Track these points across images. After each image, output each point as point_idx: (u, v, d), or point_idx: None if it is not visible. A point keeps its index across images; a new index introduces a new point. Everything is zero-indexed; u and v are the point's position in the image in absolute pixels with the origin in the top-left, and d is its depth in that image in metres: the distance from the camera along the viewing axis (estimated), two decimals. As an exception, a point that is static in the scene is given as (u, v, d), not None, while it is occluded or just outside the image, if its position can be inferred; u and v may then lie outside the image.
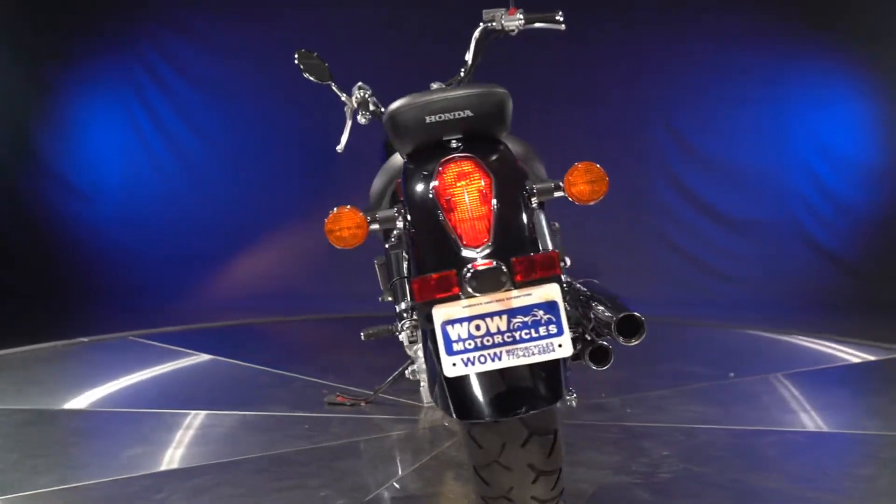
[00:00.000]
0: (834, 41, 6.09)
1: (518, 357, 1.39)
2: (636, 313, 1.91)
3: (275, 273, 6.12)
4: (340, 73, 2.66)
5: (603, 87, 6.37)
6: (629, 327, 1.92)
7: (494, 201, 1.56)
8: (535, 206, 1.70)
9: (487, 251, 1.49)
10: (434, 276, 1.41)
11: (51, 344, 4.28)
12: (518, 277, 1.41)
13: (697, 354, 4.12)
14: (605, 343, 2.03)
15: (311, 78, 2.66)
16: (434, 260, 1.51)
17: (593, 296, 2.23)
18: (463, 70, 3.30)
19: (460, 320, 1.41)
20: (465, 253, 1.49)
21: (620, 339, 1.88)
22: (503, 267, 1.37)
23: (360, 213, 1.65)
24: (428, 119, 1.72)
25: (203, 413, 2.97)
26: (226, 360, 3.95)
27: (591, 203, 1.69)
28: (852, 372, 3.66)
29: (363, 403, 3.05)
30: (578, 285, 2.35)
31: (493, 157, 1.70)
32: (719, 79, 6.29)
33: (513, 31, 2.73)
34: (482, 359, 1.39)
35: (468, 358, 1.39)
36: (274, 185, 6.31)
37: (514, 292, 1.41)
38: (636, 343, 1.91)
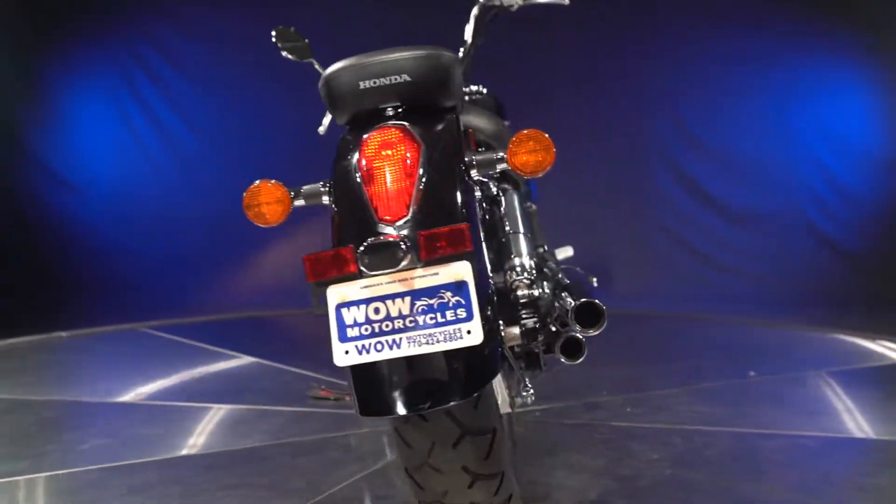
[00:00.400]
0: (841, 28, 5.79)
1: (420, 345, 1.21)
2: (597, 301, 1.72)
3: (271, 266, 6.01)
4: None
5: (605, 74, 6.14)
6: (589, 316, 1.73)
7: (421, 172, 1.39)
8: (476, 179, 1.53)
9: (406, 227, 1.32)
10: (328, 252, 1.25)
11: (35, 337, 4.25)
12: (423, 254, 1.23)
13: (715, 351, 3.87)
14: (576, 334, 1.85)
15: (291, 56, 2.51)
16: (348, 236, 1.35)
17: (565, 284, 2.04)
18: (462, 49, 3.13)
19: (357, 303, 1.24)
20: (381, 228, 1.33)
21: (578, 327, 1.70)
22: (402, 242, 1.20)
23: (283, 188, 1.51)
24: (362, 85, 1.57)
25: (180, 405, 2.88)
26: (217, 350, 3.86)
27: (539, 174, 1.51)
28: (884, 373, 3.37)
29: (347, 398, 2.90)
30: (559, 274, 2.16)
31: (429, 126, 1.53)
32: (724, 67, 6.02)
33: (512, 6, 2.56)
34: (378, 346, 1.22)
35: (363, 345, 1.22)
36: (269, 178, 6.17)
37: (419, 271, 1.24)
38: (595, 333, 1.72)
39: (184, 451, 2.36)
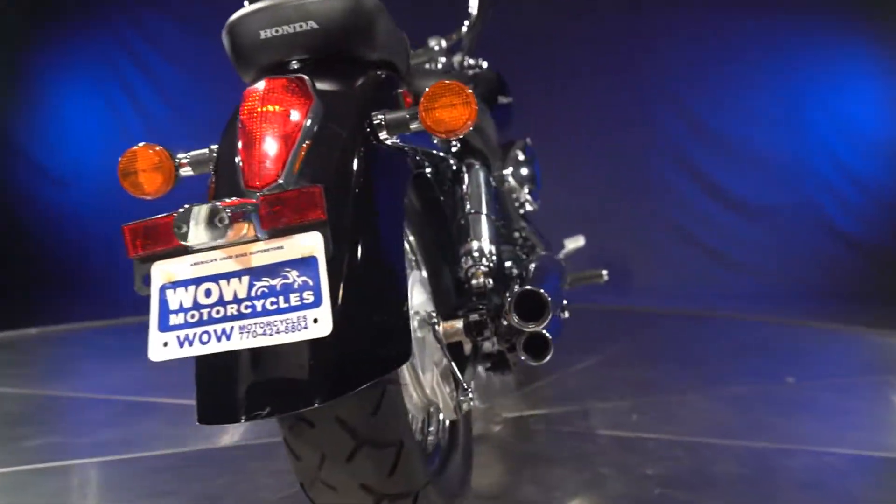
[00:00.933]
0: (854, 13, 5.41)
1: (254, 336, 0.98)
2: (541, 291, 1.46)
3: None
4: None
5: (608, 63, 5.86)
6: (532, 308, 1.48)
7: (306, 131, 1.16)
8: (387, 140, 1.29)
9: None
10: (152, 220, 1.02)
11: (20, 332, 4.19)
12: (264, 223, 1.00)
13: (745, 352, 3.53)
14: (538, 329, 1.59)
15: None
16: None
17: (527, 273, 1.77)
18: (467, 22, 2.90)
19: (185, 283, 1.01)
20: (247, 196, 1.10)
21: (516, 318, 1.45)
22: (230, 208, 0.96)
23: (165, 153, 1.31)
24: (263, 34, 1.36)
25: (151, 401, 2.71)
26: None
27: (457, 134, 1.26)
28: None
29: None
30: (532, 263, 1.89)
31: (336, 80, 1.30)
32: (732, 54, 5.70)
33: None
34: (204, 337, 0.99)
35: (185, 336, 0.99)
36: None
37: (260, 245, 1.00)
38: (536, 328, 1.46)
39: (133, 452, 2.18)
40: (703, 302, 4.94)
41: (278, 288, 0.98)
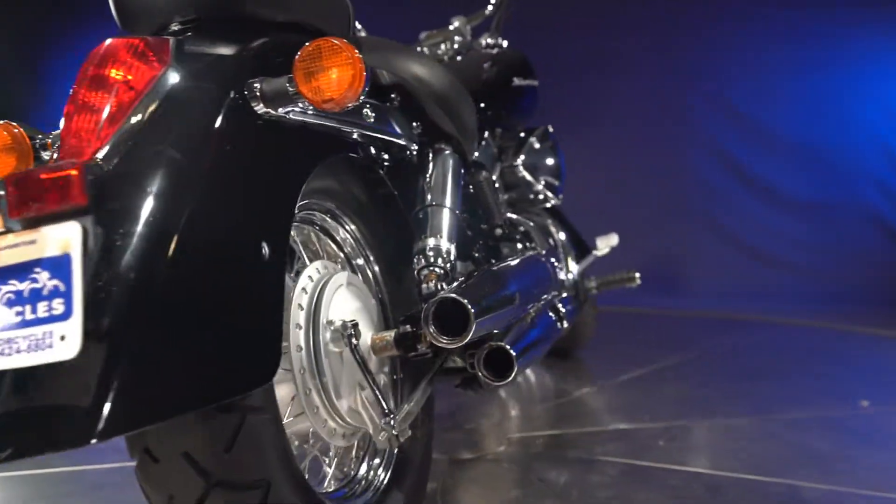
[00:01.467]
0: None
1: (-11, 356, 0.76)
2: (465, 301, 1.20)
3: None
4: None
5: (635, 51, 5.42)
6: (454, 320, 1.21)
7: (151, 97, 0.95)
8: (267, 113, 1.06)
9: None
10: None
11: None
12: (11, 211, 0.78)
13: (809, 365, 3.12)
14: (502, 344, 1.34)
15: None
16: None
17: (480, 275, 1.50)
18: (493, 1, 2.68)
19: (-76, 286, 0.81)
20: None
21: (431, 328, 1.20)
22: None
23: (20, 132, 1.12)
24: None
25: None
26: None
27: (339, 104, 1.02)
28: None
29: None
30: (496, 266, 1.62)
31: (218, 42, 1.10)
32: (776, 40, 5.16)
33: None
34: (-67, 356, 0.78)
35: None
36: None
37: (10, 238, 0.79)
38: (451, 344, 1.20)
39: (97, 464, 2.04)
40: (751, 305, 4.59)
41: (26, 294, 0.76)
